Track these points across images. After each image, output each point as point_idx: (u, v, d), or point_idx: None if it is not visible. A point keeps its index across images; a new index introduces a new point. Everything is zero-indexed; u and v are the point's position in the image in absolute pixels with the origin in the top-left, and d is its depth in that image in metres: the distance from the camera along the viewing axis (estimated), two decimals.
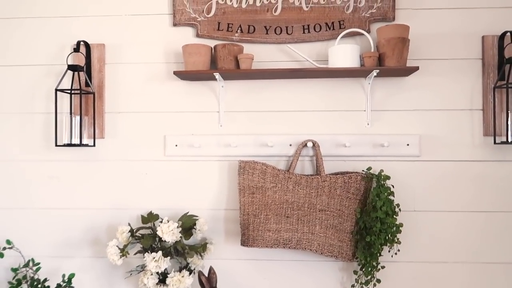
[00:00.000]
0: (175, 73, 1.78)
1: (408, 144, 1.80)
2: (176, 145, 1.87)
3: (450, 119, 1.81)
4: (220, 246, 1.86)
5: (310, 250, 1.70)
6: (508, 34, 1.75)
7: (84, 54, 1.88)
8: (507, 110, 1.69)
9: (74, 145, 1.80)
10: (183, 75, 1.80)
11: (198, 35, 1.86)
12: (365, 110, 1.83)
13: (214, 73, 1.74)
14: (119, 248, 1.69)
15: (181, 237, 1.67)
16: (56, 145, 1.79)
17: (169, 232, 1.62)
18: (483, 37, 1.80)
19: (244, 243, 1.73)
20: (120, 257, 1.66)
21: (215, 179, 1.87)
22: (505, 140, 1.72)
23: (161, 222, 1.68)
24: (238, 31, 1.85)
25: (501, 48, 1.77)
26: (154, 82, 1.90)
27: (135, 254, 1.77)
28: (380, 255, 1.72)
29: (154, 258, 1.61)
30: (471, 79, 1.80)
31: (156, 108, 1.90)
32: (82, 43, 1.87)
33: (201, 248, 1.77)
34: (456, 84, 1.81)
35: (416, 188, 1.81)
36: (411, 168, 1.82)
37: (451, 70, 1.81)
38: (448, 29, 1.81)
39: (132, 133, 1.90)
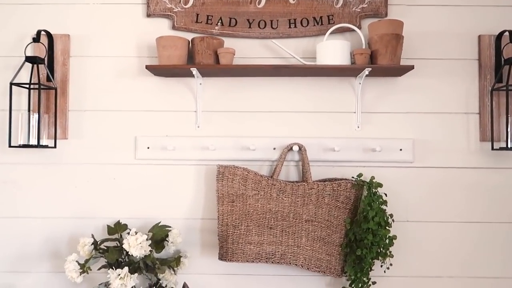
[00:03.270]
0: (148, 67, 1.56)
1: (401, 149, 1.62)
2: (148, 148, 1.64)
3: (445, 123, 1.64)
4: (196, 260, 1.63)
5: (296, 265, 1.49)
6: (506, 33, 1.60)
7: (46, 45, 1.64)
8: (507, 114, 1.53)
9: (31, 146, 1.55)
10: (157, 70, 1.58)
11: (174, 27, 1.65)
12: (355, 112, 1.65)
13: (191, 69, 1.53)
14: (79, 264, 1.44)
15: (151, 250, 1.44)
16: (10, 146, 1.54)
17: (137, 246, 1.38)
18: (479, 36, 1.65)
19: (222, 257, 1.51)
20: (80, 274, 1.42)
21: (190, 185, 1.65)
22: (504, 146, 1.56)
23: (129, 233, 1.44)
24: (219, 23, 1.64)
25: (498, 48, 1.62)
26: (124, 77, 1.68)
27: (99, 269, 1.52)
28: (371, 269, 1.52)
29: (119, 275, 1.37)
30: (466, 81, 1.65)
31: (127, 107, 1.67)
32: (43, 32, 1.63)
33: (174, 262, 1.54)
34: (451, 85, 1.65)
35: (409, 196, 1.63)
36: (404, 175, 1.64)
37: (446, 71, 1.65)
38: (443, 27, 1.65)
39: (99, 134, 1.66)
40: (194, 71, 1.55)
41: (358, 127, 1.66)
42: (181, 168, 1.66)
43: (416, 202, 1.64)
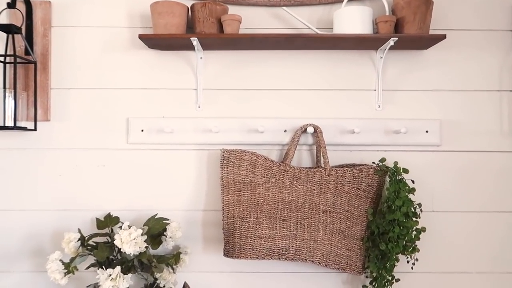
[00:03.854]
0: (141, 37, 1.34)
1: (426, 131, 1.43)
2: (142, 131, 1.43)
3: (476, 102, 1.46)
4: (198, 257, 1.44)
5: (312, 262, 1.30)
6: None
7: (24, 13, 1.41)
8: None
9: (7, 128, 1.33)
10: (152, 40, 1.36)
11: None
12: (375, 90, 1.45)
13: (191, 39, 1.32)
14: (64, 263, 1.23)
15: (146, 247, 1.24)
16: None
17: (130, 242, 1.18)
18: None
19: (228, 253, 1.31)
20: (65, 275, 1.21)
21: (191, 172, 1.44)
22: None
23: (121, 228, 1.23)
24: None
25: None
26: (114, 51, 1.46)
27: (88, 268, 1.32)
28: (395, 265, 1.33)
29: (110, 275, 1.17)
30: (500, 55, 1.46)
31: (117, 84, 1.45)
32: None
33: (173, 259, 1.35)
34: (483, 60, 1.47)
35: (435, 184, 1.45)
36: (430, 159, 1.45)
37: (477, 43, 1.46)
38: None
39: (85, 115, 1.45)
40: (195, 41, 1.33)
41: (379, 107, 1.46)
42: (180, 153, 1.45)
43: (443, 190, 1.45)
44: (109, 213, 1.44)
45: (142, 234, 1.23)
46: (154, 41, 1.38)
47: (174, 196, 1.45)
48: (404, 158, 1.44)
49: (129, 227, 1.23)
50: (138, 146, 1.46)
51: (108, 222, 1.40)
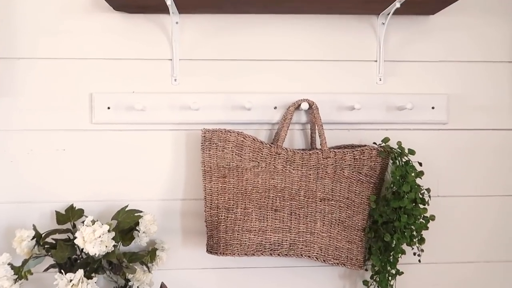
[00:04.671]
0: None
1: (433, 107, 1.25)
2: (109, 108, 1.20)
3: (488, 74, 1.29)
4: (176, 252, 1.24)
5: (309, 257, 1.12)
6: None
7: None
8: None
9: None
10: (118, 0, 1.12)
11: None
12: (376, 61, 1.26)
13: None
14: (14, 267, 1.01)
15: (115, 245, 1.02)
16: None
17: (94, 241, 0.97)
18: None
19: (212, 249, 1.12)
20: (15, 282, 0.98)
21: (167, 156, 1.23)
22: None
23: (84, 223, 1.01)
24: None
25: None
26: (73, 13, 1.21)
27: (46, 270, 1.10)
28: (400, 258, 1.17)
29: (71, 281, 0.95)
30: None
31: (78, 54, 1.21)
32: None
33: (147, 257, 1.15)
34: (495, 26, 1.29)
35: (441, 165, 1.29)
36: (436, 139, 1.28)
37: (492, 9, 1.29)
38: None
39: (40, 90, 1.21)
40: (169, 1, 1.10)
41: (380, 80, 1.27)
42: (154, 134, 1.23)
43: (450, 172, 1.29)
44: (72, 204, 1.21)
45: (109, 231, 1.01)
46: (121, 1, 1.14)
47: (148, 184, 1.24)
48: (406, 138, 1.27)
49: (93, 222, 1.02)
50: (104, 126, 1.23)
51: (70, 215, 1.18)
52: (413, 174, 1.13)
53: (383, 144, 1.20)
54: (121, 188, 1.24)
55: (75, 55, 1.22)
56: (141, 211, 1.17)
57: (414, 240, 1.15)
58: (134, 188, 1.24)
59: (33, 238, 1.08)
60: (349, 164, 1.14)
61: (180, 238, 1.26)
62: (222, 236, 1.11)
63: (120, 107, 1.22)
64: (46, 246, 1.09)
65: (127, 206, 1.18)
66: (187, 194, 1.25)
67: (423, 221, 1.15)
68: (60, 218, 1.17)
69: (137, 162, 1.24)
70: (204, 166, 1.14)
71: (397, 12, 1.19)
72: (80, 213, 1.19)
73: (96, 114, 1.22)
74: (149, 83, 1.24)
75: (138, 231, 1.12)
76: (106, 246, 1.00)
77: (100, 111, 1.22)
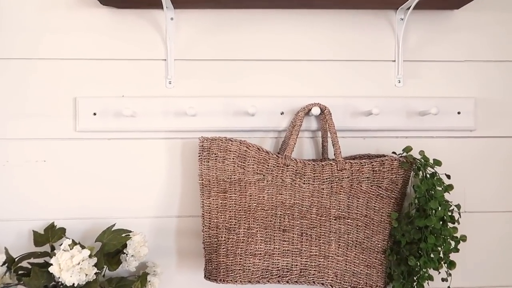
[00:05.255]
0: None
1: (458, 112, 1.10)
2: (95, 114, 1.05)
3: None
4: (171, 277, 1.09)
5: (323, 284, 0.96)
6: None
7: None
8: None
9: None
10: None
11: None
12: (394, 61, 1.12)
13: None
14: None
15: (97, 273, 0.86)
16: None
17: (72, 268, 0.80)
18: None
19: (211, 275, 0.95)
20: None
21: (161, 168, 1.08)
22: None
23: (61, 246, 0.85)
24: None
25: None
26: (55, 8, 1.08)
27: None
28: (427, 284, 1.01)
29: None
30: None
31: (60, 53, 1.07)
32: None
33: (137, 282, 0.99)
34: None
35: (468, 178, 1.13)
36: (462, 148, 1.13)
37: None
38: None
39: (17, 95, 1.07)
40: None
41: (399, 82, 1.12)
42: (146, 143, 1.08)
43: (478, 185, 1.14)
44: (52, 223, 1.06)
45: (90, 256, 0.85)
46: None
47: (139, 200, 1.09)
48: (429, 146, 1.12)
49: (73, 245, 0.85)
50: (90, 134, 1.08)
51: (50, 235, 1.02)
52: (441, 189, 0.97)
53: (405, 154, 1.05)
54: (108, 204, 1.09)
55: (57, 55, 1.08)
56: (130, 231, 1.02)
57: (443, 264, 0.99)
58: (123, 204, 1.08)
59: (3, 264, 0.92)
60: (367, 177, 0.99)
61: (175, 261, 1.10)
62: (223, 261, 0.95)
63: (108, 113, 1.07)
64: (19, 272, 0.93)
65: (113, 225, 1.02)
66: (183, 211, 1.10)
67: (453, 242, 0.98)
68: (38, 238, 1.02)
69: (126, 175, 1.08)
70: (202, 180, 0.98)
71: (417, 6, 1.05)
72: (61, 233, 1.04)
73: (80, 121, 1.07)
74: (140, 86, 1.09)
75: (126, 254, 0.96)
76: (87, 275, 0.84)
77: (85, 117, 1.07)
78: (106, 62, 1.09)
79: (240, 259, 0.95)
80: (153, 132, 1.10)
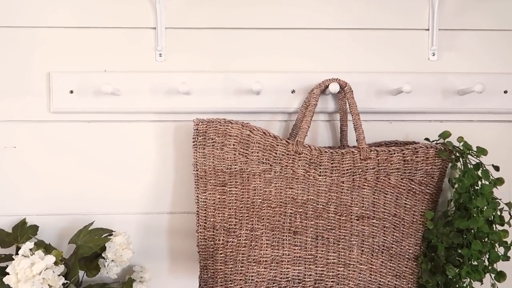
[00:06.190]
0: None
1: (505, 91, 0.90)
2: (72, 92, 0.87)
3: None
4: (162, 284, 0.90)
5: None
6: None
7: None
8: None
9: None
10: None
11: None
12: (428, 29, 0.91)
13: None
14: None
15: (66, 284, 0.67)
16: None
17: (32, 279, 0.63)
18: None
19: (206, 285, 0.78)
20: None
21: (150, 156, 0.90)
22: None
23: (20, 252, 0.67)
24: None
25: None
26: None
27: None
28: None
29: None
30: None
31: (31, 20, 0.89)
32: None
33: None
34: None
35: None
36: (509, 133, 0.91)
37: None
38: None
39: None
40: None
41: (434, 55, 0.92)
42: (133, 127, 0.90)
43: None
44: (24, 219, 0.88)
45: (57, 263, 0.67)
46: None
47: (125, 193, 0.91)
48: (468, 132, 0.91)
49: (33, 249, 0.67)
50: (67, 116, 0.90)
51: (19, 235, 0.85)
52: (489, 184, 0.77)
53: (442, 141, 0.84)
54: (89, 198, 0.91)
55: (26, 21, 0.89)
56: (111, 231, 0.84)
57: (489, 274, 0.79)
58: (106, 199, 0.91)
59: None
60: (397, 168, 0.79)
61: (167, 265, 0.92)
62: (220, 269, 0.77)
63: (87, 90, 0.89)
64: None
65: (91, 223, 0.84)
66: (177, 206, 0.92)
67: (503, 249, 0.78)
68: (5, 238, 0.85)
69: (110, 164, 0.90)
70: (197, 170, 0.79)
71: None
72: (33, 231, 0.87)
73: (55, 101, 0.89)
74: (125, 59, 0.90)
75: (105, 259, 0.77)
76: (51, 286, 0.65)
77: (60, 96, 0.89)
78: (85, 31, 0.91)
79: (242, 267, 0.77)
80: (141, 114, 0.91)
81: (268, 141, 0.78)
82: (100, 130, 0.91)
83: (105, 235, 0.82)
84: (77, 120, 0.91)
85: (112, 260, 0.78)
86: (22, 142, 0.91)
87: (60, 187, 0.91)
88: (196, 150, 0.81)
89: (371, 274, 0.79)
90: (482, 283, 0.83)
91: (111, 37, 0.91)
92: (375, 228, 0.80)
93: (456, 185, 0.81)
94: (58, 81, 0.89)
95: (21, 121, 0.91)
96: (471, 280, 0.79)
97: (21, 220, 0.89)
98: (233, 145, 0.78)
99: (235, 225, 0.79)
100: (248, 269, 0.77)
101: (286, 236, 0.78)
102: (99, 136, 0.91)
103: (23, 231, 0.86)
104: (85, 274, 0.83)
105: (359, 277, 0.79)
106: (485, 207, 0.77)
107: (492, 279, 0.80)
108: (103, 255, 0.79)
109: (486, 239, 0.78)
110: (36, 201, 0.91)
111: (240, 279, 0.77)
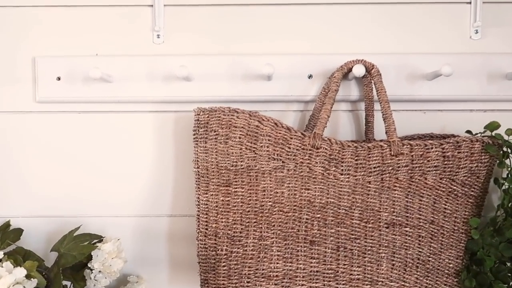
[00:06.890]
0: None
1: None
2: (59, 79, 0.76)
3: None
4: None
5: None
6: None
7: None
8: None
9: None
10: None
11: None
12: (470, 2, 0.75)
13: None
14: None
15: None
16: None
17: None
18: None
19: None
20: None
21: (147, 151, 0.79)
22: None
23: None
24: None
25: None
26: None
27: None
28: None
29: None
30: None
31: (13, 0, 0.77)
32: None
33: None
34: None
35: None
36: None
37: None
38: None
39: None
40: None
41: (477, 33, 0.77)
42: (127, 118, 0.79)
43: None
44: (8, 222, 0.78)
45: (29, 276, 0.55)
46: None
47: (120, 193, 0.80)
48: None
49: (3, 259, 0.56)
50: (54, 106, 0.79)
51: (0, 239, 0.73)
52: None
53: (489, 133, 0.69)
54: (80, 198, 0.80)
55: (8, 1, 0.78)
56: (100, 236, 0.72)
57: None
58: (99, 199, 0.80)
59: None
60: (436, 166, 0.64)
61: (166, 274, 0.80)
62: (223, 284, 0.64)
63: (76, 77, 0.77)
64: None
65: (78, 228, 0.73)
66: (177, 208, 0.80)
67: None
68: None
69: (103, 160, 0.79)
70: (198, 167, 0.67)
71: None
72: (16, 235, 0.76)
73: (41, 89, 0.78)
74: (119, 41, 0.79)
75: (92, 269, 0.66)
76: None
77: (47, 83, 0.78)
78: (74, 10, 0.80)
79: (248, 282, 0.64)
80: (137, 104, 0.79)
81: (280, 133, 0.65)
82: (91, 122, 0.80)
83: (94, 241, 0.70)
84: (66, 111, 0.80)
85: (100, 271, 0.66)
86: (5, 136, 0.80)
87: (47, 186, 0.80)
88: (197, 144, 0.68)
89: None
90: None
91: (103, 16, 0.79)
92: (409, 238, 0.66)
93: (505, 186, 0.66)
94: (43, 67, 0.78)
95: (4, 112, 0.80)
96: None
97: (5, 223, 0.79)
98: (239, 138, 0.65)
99: (240, 232, 0.66)
100: (256, 285, 0.64)
101: (301, 246, 0.65)
102: (91, 129, 0.80)
103: (5, 235, 0.76)
104: (72, 285, 0.71)
105: None
106: None
107: None
108: (89, 265, 0.68)
109: None
110: (21, 201, 0.81)
111: None
